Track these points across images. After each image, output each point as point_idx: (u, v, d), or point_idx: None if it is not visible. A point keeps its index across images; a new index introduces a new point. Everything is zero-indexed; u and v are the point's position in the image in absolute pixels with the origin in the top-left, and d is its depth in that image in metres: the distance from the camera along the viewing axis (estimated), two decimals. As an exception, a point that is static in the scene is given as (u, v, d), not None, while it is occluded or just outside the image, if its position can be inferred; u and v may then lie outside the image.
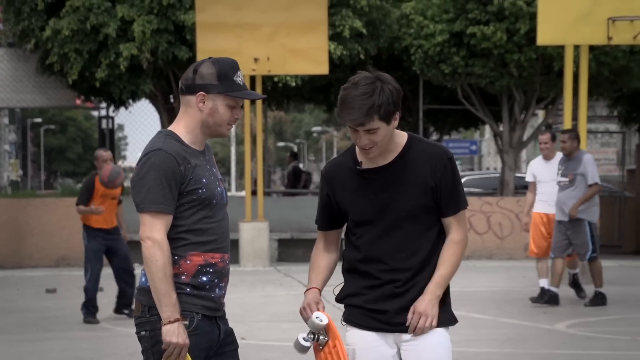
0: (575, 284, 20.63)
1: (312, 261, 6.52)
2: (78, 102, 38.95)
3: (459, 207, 6.26)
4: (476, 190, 38.56)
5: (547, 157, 20.39)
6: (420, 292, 6.15)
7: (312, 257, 6.55)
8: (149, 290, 6.08)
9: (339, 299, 6.47)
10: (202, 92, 6.06)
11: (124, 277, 19.56)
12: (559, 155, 20.16)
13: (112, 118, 39.83)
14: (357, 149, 6.17)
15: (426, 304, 6.10)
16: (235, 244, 28.16)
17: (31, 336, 17.01)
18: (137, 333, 6.35)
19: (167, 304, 5.90)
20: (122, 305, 19.51)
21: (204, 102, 6.09)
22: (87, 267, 19.60)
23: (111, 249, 19.79)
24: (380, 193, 6.16)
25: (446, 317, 6.26)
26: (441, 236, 6.25)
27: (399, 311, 6.17)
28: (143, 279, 6.23)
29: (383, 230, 6.21)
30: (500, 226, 29.91)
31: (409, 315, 6.15)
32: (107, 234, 19.64)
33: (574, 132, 20.68)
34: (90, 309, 19.17)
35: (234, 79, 6.17)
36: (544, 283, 20.01)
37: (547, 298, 19.92)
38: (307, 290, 6.42)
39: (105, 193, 19.45)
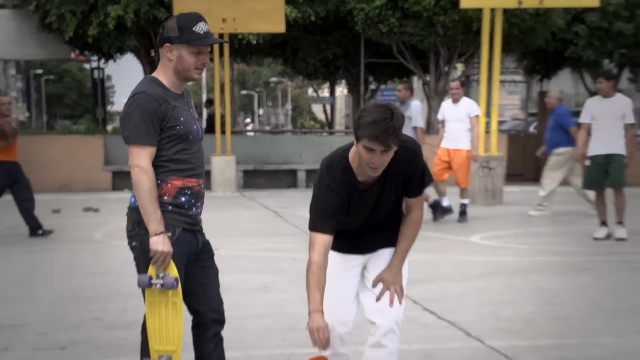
0: (438, 206, 21.00)
1: (317, 274, 6.68)
2: (73, 55, 40.30)
3: (422, 191, 7.03)
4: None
5: (455, 101, 20.87)
6: (383, 243, 7.12)
7: (314, 266, 6.69)
8: (138, 209, 6.76)
9: None
10: (167, 44, 6.77)
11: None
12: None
13: (102, 69, 40.92)
14: (354, 163, 6.76)
15: (392, 275, 7.00)
16: (208, 174, 28.16)
17: (41, 247, 17.64)
18: (129, 244, 7.04)
19: (154, 219, 6.58)
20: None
21: (171, 52, 6.77)
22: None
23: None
24: (370, 201, 6.91)
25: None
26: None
27: (369, 246, 7.14)
28: (132, 200, 6.89)
29: (365, 226, 7.11)
30: (427, 160, 30.15)
31: (378, 285, 7.04)
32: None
33: (408, 84, 22.26)
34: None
35: (194, 29, 6.74)
36: (444, 201, 20.71)
37: (440, 210, 20.84)
38: (315, 311, 6.64)
39: None
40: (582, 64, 37.72)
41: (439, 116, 21.61)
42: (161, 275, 6.70)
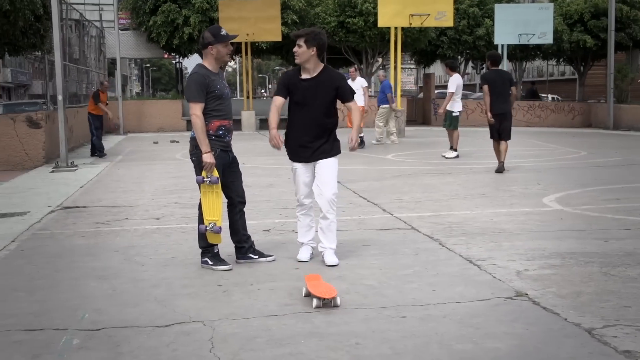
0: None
1: (272, 114, 7.26)
2: (165, 55, 40.72)
3: (351, 98, 7.33)
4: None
5: (353, 79, 20.68)
6: (324, 144, 7.25)
7: (271, 112, 7.26)
8: (195, 139, 6.96)
9: (285, 142, 7.37)
10: (209, 46, 6.98)
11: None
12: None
13: (181, 63, 42.70)
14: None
15: (354, 140, 7.30)
16: (239, 121, 30.35)
17: (145, 163, 17.88)
18: (190, 159, 7.26)
19: (204, 144, 6.81)
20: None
21: (212, 49, 6.98)
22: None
23: None
24: (311, 89, 7.16)
25: (335, 151, 7.32)
26: (336, 113, 7.34)
27: (317, 154, 7.25)
28: (192, 134, 7.03)
29: (311, 109, 7.21)
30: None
31: (350, 143, 7.35)
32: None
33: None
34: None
35: (221, 34, 7.01)
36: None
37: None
38: (272, 128, 7.27)
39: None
40: (445, 58, 38.11)
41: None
42: (209, 175, 7.00)
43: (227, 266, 7.04)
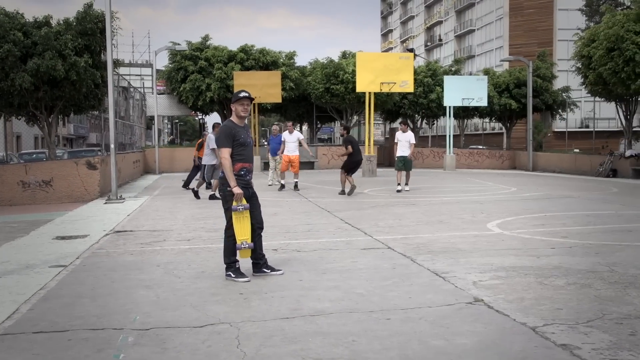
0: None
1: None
2: (191, 113, 39.94)
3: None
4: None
5: (290, 132, 18.59)
6: None
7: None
8: (223, 178, 6.86)
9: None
10: (232, 104, 6.94)
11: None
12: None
13: (203, 119, 41.21)
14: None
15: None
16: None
17: (176, 196, 15.76)
18: (219, 193, 7.16)
19: (232, 180, 6.68)
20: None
21: (233, 107, 6.91)
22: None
23: None
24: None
25: None
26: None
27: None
28: (221, 174, 6.91)
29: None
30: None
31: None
32: None
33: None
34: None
35: (239, 94, 6.89)
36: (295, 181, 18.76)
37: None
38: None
39: None
40: (406, 116, 38.16)
41: (282, 138, 18.92)
42: (240, 204, 6.84)
43: (246, 279, 6.86)
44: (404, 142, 17.94)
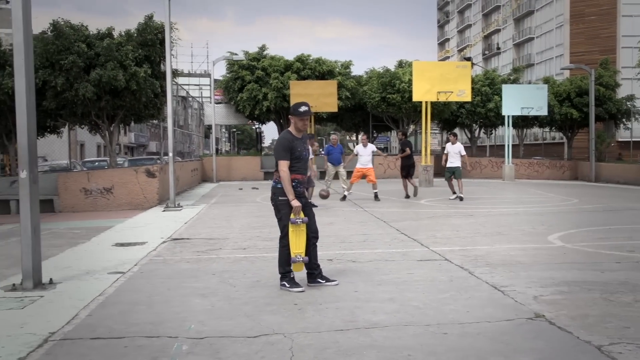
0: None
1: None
2: (249, 122, 39.95)
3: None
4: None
5: (364, 145, 18.24)
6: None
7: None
8: (276, 187, 6.85)
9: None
10: (291, 116, 6.85)
11: None
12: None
13: (260, 128, 41.20)
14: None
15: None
16: None
17: (233, 204, 17.00)
18: (271, 202, 7.03)
19: (290, 193, 6.65)
20: None
21: (292, 119, 6.83)
22: None
23: None
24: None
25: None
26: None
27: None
28: (273, 183, 6.94)
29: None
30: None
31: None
32: None
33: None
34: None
35: (298, 109, 6.82)
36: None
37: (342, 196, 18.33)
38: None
39: None
40: (464, 125, 37.67)
41: (355, 151, 18.74)
42: (298, 217, 6.81)
43: (301, 289, 6.80)
44: (454, 153, 18.68)
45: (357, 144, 18.83)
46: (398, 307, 6.06)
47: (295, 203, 6.71)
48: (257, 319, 5.70)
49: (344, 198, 18.36)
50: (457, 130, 43.20)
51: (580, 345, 4.87)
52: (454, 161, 18.62)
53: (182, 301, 6.41)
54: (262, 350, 4.80)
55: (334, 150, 18.93)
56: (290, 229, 6.85)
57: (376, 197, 18.51)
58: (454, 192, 18.66)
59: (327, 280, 7.09)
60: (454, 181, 18.86)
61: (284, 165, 6.74)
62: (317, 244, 7.16)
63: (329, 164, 18.93)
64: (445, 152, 19.09)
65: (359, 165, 18.38)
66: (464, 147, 20.19)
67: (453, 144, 18.82)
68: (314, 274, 7.09)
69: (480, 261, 8.47)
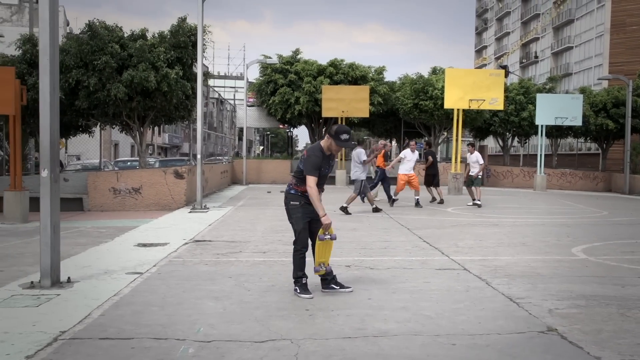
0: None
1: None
2: (280, 126, 39.52)
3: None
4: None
5: (412, 151, 18.53)
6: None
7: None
8: (290, 194, 6.88)
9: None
10: (329, 135, 6.77)
11: None
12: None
13: (292, 131, 41.03)
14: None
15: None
16: (333, 177, 29.20)
17: (259, 207, 16.53)
18: (285, 207, 7.02)
19: (320, 208, 6.58)
20: None
21: (329, 139, 6.74)
22: None
23: None
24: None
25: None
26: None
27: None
28: (287, 189, 6.94)
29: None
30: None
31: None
32: None
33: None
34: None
35: (340, 136, 6.72)
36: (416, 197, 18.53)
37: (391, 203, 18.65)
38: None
39: None
40: (496, 134, 37.30)
41: (402, 154, 18.96)
42: (328, 233, 6.77)
43: (310, 295, 6.79)
44: (472, 163, 19.85)
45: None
46: (410, 316, 6.03)
47: (325, 220, 6.64)
48: (266, 323, 5.71)
49: (392, 202, 18.80)
50: (490, 139, 42.86)
51: (589, 362, 4.78)
52: (473, 170, 19.71)
53: (195, 303, 6.45)
54: (267, 356, 4.81)
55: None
56: (317, 243, 6.85)
57: (418, 203, 18.53)
58: (473, 199, 19.57)
59: (342, 286, 7.08)
60: (473, 189, 19.73)
61: (311, 182, 6.67)
62: (337, 250, 7.15)
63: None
64: (467, 162, 20.38)
65: (404, 171, 18.73)
66: (496, 155, 20.51)
67: (472, 154, 19.99)
68: (327, 280, 7.08)
69: (500, 272, 8.38)
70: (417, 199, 18.68)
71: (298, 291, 6.85)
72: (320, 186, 6.81)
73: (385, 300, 6.68)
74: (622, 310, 6.36)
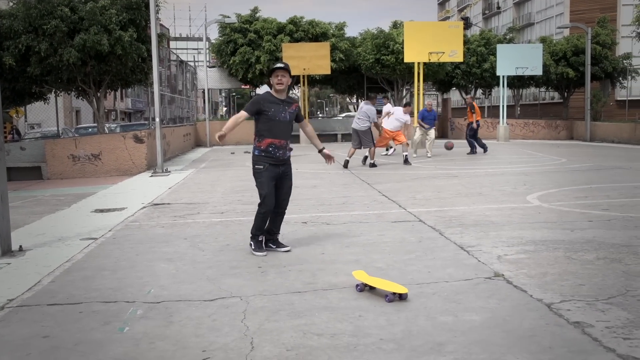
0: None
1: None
2: (243, 86, 39.07)
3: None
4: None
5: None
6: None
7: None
8: (255, 155, 6.79)
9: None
10: (270, 77, 6.78)
11: None
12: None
13: (254, 91, 40.43)
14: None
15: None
16: (297, 136, 28.75)
17: (221, 169, 15.53)
18: (253, 170, 6.90)
19: (224, 129, 7.21)
20: None
21: (270, 79, 6.74)
22: None
23: None
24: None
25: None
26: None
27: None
28: (255, 152, 6.84)
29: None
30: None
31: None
32: None
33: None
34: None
35: (274, 67, 6.67)
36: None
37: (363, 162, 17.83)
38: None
39: None
40: (459, 86, 37.38)
41: (390, 110, 18.72)
42: (390, 295, 5.10)
43: (263, 253, 6.80)
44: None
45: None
46: (361, 268, 6.08)
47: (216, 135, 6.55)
48: (217, 282, 5.74)
49: (406, 160, 17.89)
50: (454, 92, 42.96)
51: (531, 303, 4.90)
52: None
53: (147, 266, 6.45)
54: (215, 314, 4.84)
55: (429, 115, 20.60)
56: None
57: (406, 160, 17.91)
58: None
59: (279, 245, 7.04)
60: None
61: (239, 114, 6.79)
62: (295, 206, 7.20)
63: (419, 127, 21.00)
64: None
65: (390, 127, 18.35)
66: (460, 108, 20.58)
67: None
68: (269, 241, 7.05)
69: (454, 222, 8.51)
70: (406, 155, 17.97)
71: (252, 247, 6.87)
72: (279, 134, 6.72)
73: (338, 254, 6.75)
74: (569, 254, 6.51)
